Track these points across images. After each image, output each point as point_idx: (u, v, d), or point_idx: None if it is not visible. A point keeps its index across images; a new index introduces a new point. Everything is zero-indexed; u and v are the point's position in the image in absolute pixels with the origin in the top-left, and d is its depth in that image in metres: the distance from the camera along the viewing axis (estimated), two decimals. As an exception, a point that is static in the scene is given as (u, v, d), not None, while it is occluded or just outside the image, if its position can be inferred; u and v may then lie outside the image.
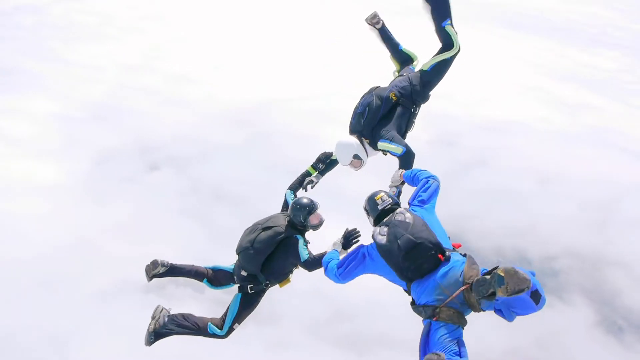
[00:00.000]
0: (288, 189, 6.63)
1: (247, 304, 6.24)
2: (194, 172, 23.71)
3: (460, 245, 4.62)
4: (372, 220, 5.11)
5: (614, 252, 20.30)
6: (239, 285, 6.43)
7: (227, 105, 28.58)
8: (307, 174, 6.69)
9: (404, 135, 6.14)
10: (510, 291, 3.85)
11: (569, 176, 23.51)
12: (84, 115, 27.11)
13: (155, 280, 6.27)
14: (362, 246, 4.98)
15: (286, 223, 6.06)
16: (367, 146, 6.23)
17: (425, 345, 4.32)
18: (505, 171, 24.24)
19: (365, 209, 5.22)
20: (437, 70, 6.06)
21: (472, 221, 21.83)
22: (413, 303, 4.54)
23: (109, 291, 17.55)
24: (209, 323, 6.25)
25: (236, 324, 6.20)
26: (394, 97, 6.01)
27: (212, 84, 31.08)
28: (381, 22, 6.41)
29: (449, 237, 4.78)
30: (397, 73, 6.47)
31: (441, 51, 6.04)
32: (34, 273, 17.65)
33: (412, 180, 5.43)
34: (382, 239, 4.64)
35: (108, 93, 29.56)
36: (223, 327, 6.20)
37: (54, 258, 18.45)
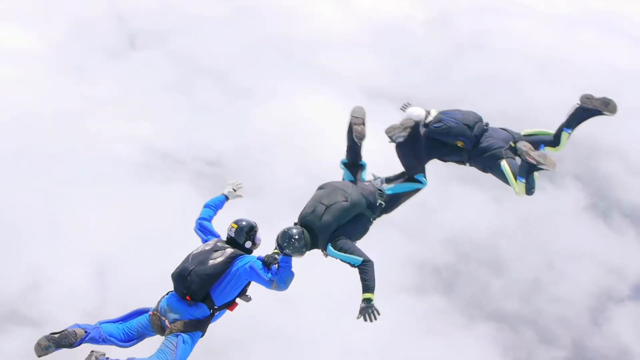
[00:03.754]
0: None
1: None
2: (176, 45, 22.47)
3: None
4: None
5: (611, 140, 19.88)
6: None
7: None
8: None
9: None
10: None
11: (569, 61, 22.63)
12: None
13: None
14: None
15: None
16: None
17: None
18: (501, 55, 23.22)
19: None
20: (501, 176, 5.78)
21: (464, 107, 21.25)
22: None
23: (95, 167, 17.09)
24: None
25: None
26: (459, 144, 5.93)
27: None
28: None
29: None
30: (524, 132, 6.06)
31: (520, 172, 5.62)
32: (9, 139, 17.12)
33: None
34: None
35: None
36: None
37: (30, 124, 17.83)
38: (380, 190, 5.61)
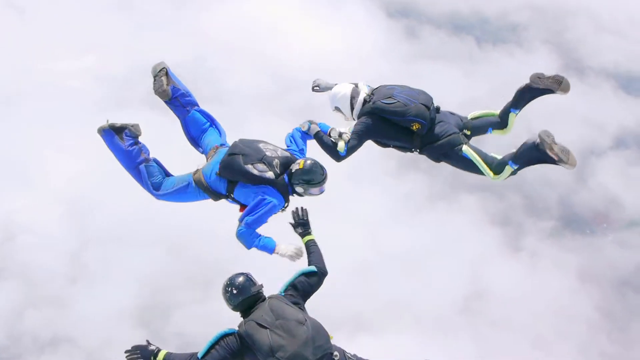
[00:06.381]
0: None
1: None
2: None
3: None
4: None
5: (576, 0, 19.39)
6: None
7: None
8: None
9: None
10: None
11: None
12: None
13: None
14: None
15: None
16: (359, 107, 5.36)
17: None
18: None
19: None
20: (464, 164, 5.28)
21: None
22: None
23: (50, 106, 16.35)
24: None
25: None
26: (414, 127, 5.17)
27: None
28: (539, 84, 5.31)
29: None
30: (470, 116, 5.56)
31: (492, 164, 5.24)
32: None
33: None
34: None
35: None
36: None
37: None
38: None
